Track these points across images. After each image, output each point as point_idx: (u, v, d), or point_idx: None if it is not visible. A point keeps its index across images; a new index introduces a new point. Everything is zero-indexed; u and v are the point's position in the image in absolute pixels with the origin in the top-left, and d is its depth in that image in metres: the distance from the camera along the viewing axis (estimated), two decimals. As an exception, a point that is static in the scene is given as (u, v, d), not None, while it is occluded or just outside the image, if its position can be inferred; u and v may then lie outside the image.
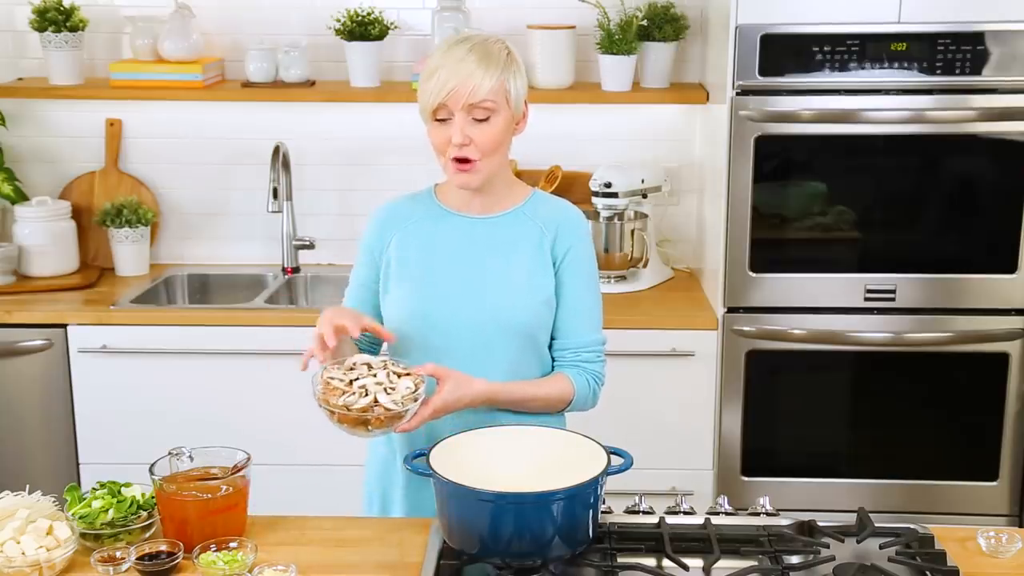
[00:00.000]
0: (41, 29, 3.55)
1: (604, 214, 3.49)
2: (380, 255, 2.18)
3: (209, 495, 1.93)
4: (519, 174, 3.37)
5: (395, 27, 3.61)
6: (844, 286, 3.20)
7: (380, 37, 3.55)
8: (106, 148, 3.74)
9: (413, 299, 2.13)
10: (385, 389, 1.91)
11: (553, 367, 2.19)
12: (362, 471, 3.26)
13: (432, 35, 3.58)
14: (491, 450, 1.92)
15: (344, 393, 1.90)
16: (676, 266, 3.74)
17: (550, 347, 2.18)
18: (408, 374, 1.96)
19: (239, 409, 3.28)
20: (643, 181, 3.52)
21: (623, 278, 3.52)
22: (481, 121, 2.04)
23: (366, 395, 1.90)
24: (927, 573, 1.84)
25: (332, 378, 1.94)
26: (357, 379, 1.93)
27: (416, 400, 1.91)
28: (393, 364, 1.97)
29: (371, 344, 2.22)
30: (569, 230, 2.16)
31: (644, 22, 3.48)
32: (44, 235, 3.55)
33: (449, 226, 2.17)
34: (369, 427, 1.89)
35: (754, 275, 3.20)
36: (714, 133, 3.35)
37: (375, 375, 1.93)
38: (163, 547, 1.88)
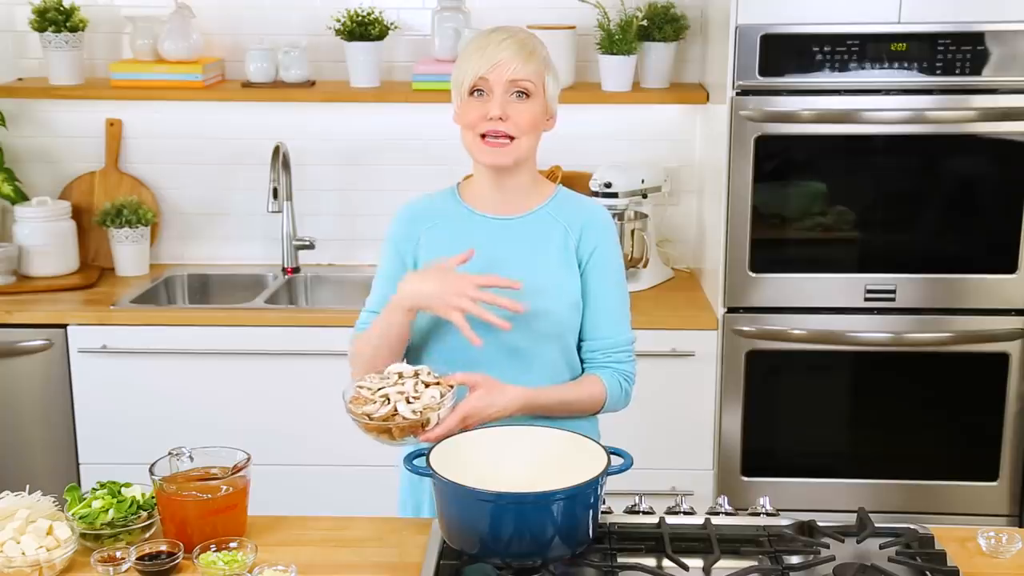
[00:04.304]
0: (41, 29, 3.55)
1: (604, 214, 3.49)
2: (408, 251, 2.16)
3: (209, 495, 1.93)
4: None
5: (395, 27, 3.61)
6: (844, 286, 3.20)
7: (380, 37, 3.55)
8: (106, 148, 3.74)
9: None
10: (407, 398, 1.91)
11: (583, 369, 2.18)
12: (362, 472, 3.27)
13: (432, 35, 3.58)
14: (491, 450, 1.92)
15: (369, 402, 1.91)
16: (676, 266, 3.74)
17: (579, 348, 2.17)
18: (438, 383, 1.96)
19: (239, 409, 3.28)
20: (643, 181, 3.52)
21: (623, 278, 3.52)
22: (519, 100, 2.04)
23: (387, 404, 1.90)
24: (927, 573, 1.84)
25: (362, 387, 1.96)
26: (383, 388, 1.93)
27: (438, 410, 1.91)
28: (426, 373, 1.97)
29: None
30: (594, 230, 2.14)
31: (644, 22, 3.48)
32: (44, 235, 3.55)
33: (474, 228, 2.14)
34: (394, 436, 1.90)
35: (754, 275, 3.20)
36: (714, 133, 3.35)
37: (403, 384, 1.94)
38: (163, 547, 1.88)
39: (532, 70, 2.04)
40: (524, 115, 2.05)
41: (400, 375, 1.97)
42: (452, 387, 1.96)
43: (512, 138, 2.06)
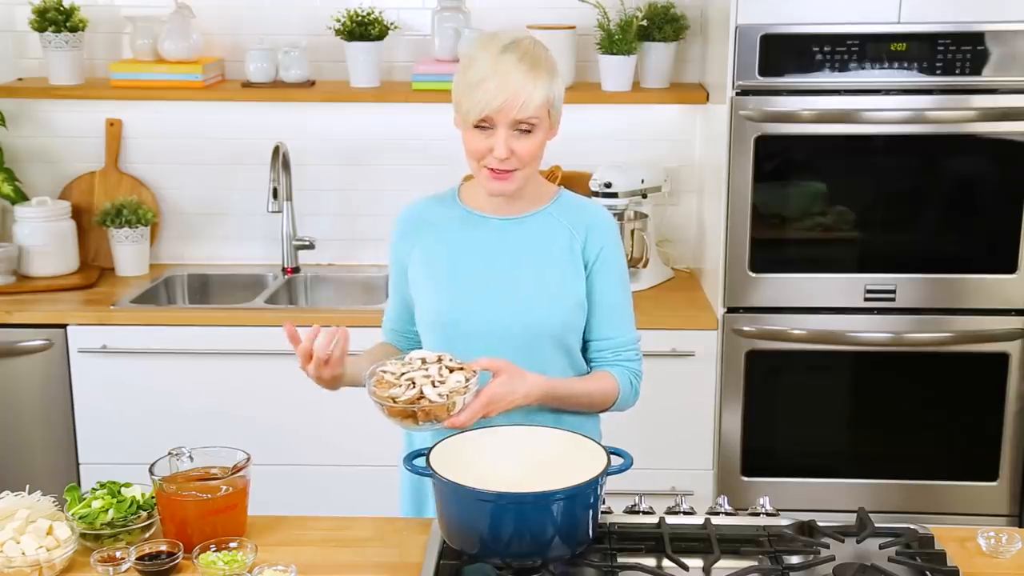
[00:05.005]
0: (41, 29, 3.55)
1: (604, 214, 3.49)
2: (407, 258, 2.17)
3: (209, 495, 1.93)
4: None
5: (395, 27, 3.61)
6: (844, 286, 3.20)
7: (380, 37, 3.55)
8: (106, 148, 3.74)
9: (443, 307, 2.12)
10: (433, 382, 1.89)
11: (591, 368, 2.18)
12: (363, 472, 3.28)
13: (432, 35, 3.58)
14: (491, 450, 1.92)
15: (393, 386, 1.90)
16: (676, 266, 3.74)
17: (586, 349, 2.17)
18: (461, 368, 1.95)
19: (239, 409, 3.28)
20: (643, 181, 3.52)
21: (623, 278, 3.52)
22: (523, 134, 2.01)
23: (413, 387, 1.89)
24: (927, 573, 1.84)
25: (385, 371, 1.95)
26: (406, 372, 1.93)
27: (464, 394, 1.90)
28: (448, 359, 1.96)
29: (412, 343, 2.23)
30: (599, 232, 2.14)
31: (644, 22, 3.48)
32: (44, 235, 3.54)
33: (476, 229, 2.14)
34: (418, 420, 1.89)
35: (754, 275, 3.20)
36: (714, 133, 3.35)
37: (427, 369, 1.93)
38: (163, 547, 1.88)
39: (538, 103, 1.99)
40: (529, 148, 2.02)
41: (423, 360, 1.96)
42: (476, 372, 1.94)
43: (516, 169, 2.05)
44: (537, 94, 1.99)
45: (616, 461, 1.86)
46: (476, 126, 2.02)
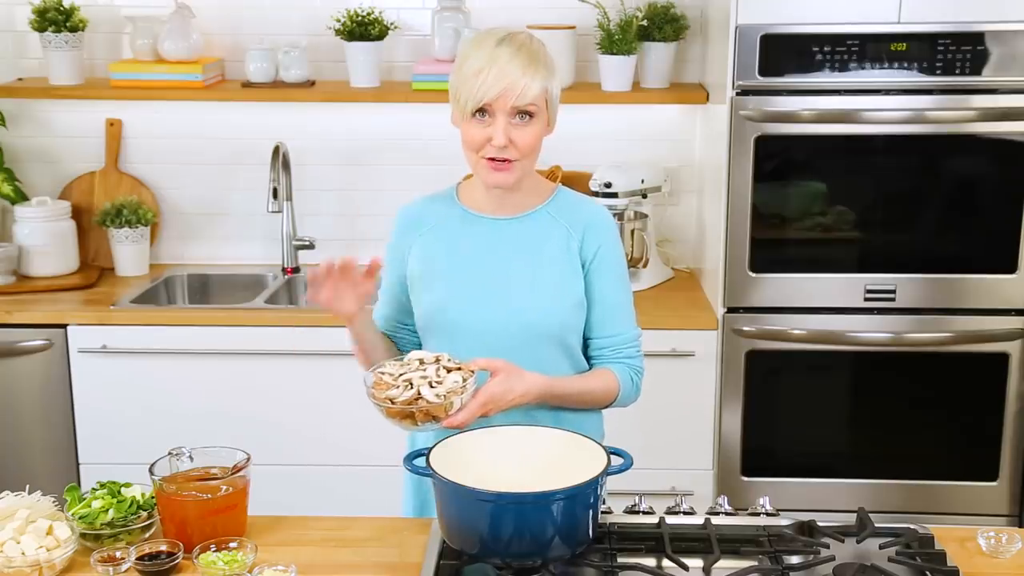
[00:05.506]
0: (41, 29, 3.55)
1: (604, 214, 3.48)
2: (405, 257, 2.18)
3: (209, 495, 1.93)
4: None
5: (395, 27, 3.61)
6: (844, 286, 3.20)
7: (380, 37, 3.55)
8: (106, 148, 3.74)
9: (440, 306, 2.12)
10: (430, 383, 1.90)
11: (591, 366, 2.18)
12: (364, 471, 3.28)
13: (432, 35, 3.58)
14: (492, 450, 1.92)
15: (391, 387, 1.91)
16: (676, 266, 3.74)
17: (586, 346, 2.18)
18: (459, 368, 1.95)
19: (239, 409, 3.28)
20: (643, 181, 3.52)
21: (623, 278, 3.51)
22: (522, 123, 2.02)
23: (410, 388, 1.90)
24: (927, 573, 1.84)
25: (383, 373, 1.96)
26: (404, 373, 1.94)
27: (462, 394, 1.91)
28: (447, 359, 1.97)
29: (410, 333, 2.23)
30: (596, 230, 2.14)
31: (644, 22, 3.48)
32: (44, 235, 3.54)
33: (473, 229, 2.14)
34: (416, 421, 1.90)
35: (754, 275, 3.20)
36: (714, 133, 3.35)
37: (424, 369, 1.94)
38: (163, 547, 1.88)
39: (536, 92, 2.00)
40: (527, 138, 2.03)
41: (421, 361, 1.97)
42: (473, 372, 1.95)
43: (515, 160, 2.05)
44: (535, 84, 2.00)
45: (616, 461, 1.86)
46: (474, 116, 2.02)
